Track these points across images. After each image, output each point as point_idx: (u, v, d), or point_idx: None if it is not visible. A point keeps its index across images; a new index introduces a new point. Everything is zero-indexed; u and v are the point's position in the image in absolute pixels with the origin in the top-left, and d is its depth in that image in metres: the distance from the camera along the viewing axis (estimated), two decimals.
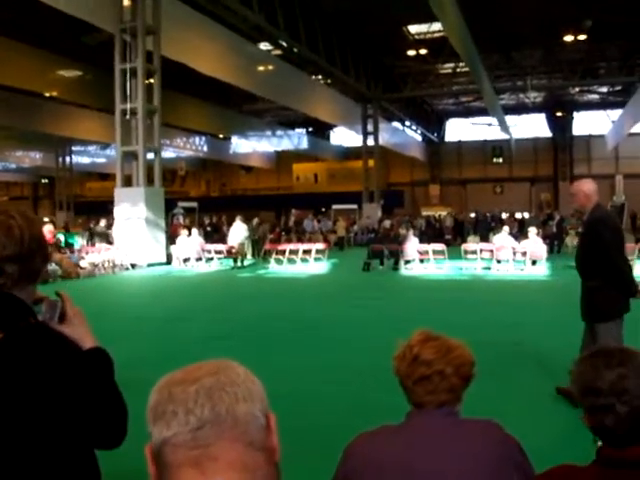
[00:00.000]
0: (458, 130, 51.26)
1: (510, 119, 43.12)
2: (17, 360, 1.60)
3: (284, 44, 26.26)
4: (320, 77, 34.14)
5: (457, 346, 2.08)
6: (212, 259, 21.66)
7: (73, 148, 45.54)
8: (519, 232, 25.59)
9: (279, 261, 21.58)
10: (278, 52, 28.90)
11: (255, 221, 25.01)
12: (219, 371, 1.04)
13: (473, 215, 36.72)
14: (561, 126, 47.17)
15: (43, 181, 56.02)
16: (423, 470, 1.89)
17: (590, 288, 5.55)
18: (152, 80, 20.20)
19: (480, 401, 5.61)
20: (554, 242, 25.98)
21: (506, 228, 20.85)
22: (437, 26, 25.93)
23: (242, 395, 1.02)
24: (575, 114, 47.63)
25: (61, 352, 1.67)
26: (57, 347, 1.68)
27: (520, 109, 44.82)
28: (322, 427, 5.22)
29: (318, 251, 22.52)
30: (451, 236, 32.26)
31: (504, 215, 36.41)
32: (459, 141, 50.95)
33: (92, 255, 19.90)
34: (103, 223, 24.80)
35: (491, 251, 19.26)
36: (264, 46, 28.52)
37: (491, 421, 2.06)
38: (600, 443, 1.77)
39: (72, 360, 1.68)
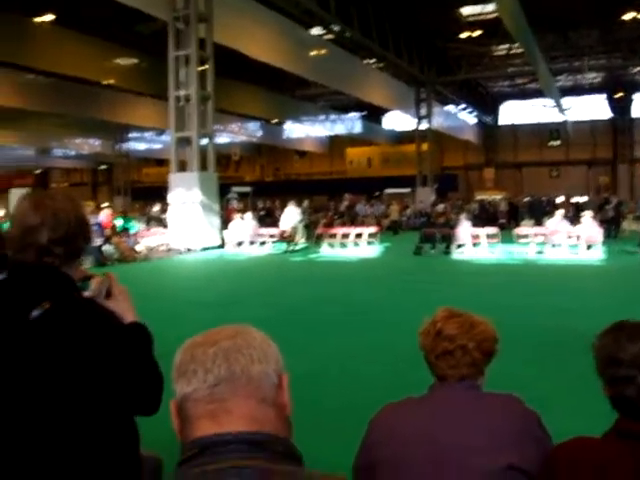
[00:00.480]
0: (513, 112, 50.36)
1: (567, 101, 42.21)
2: (62, 328, 1.73)
3: (336, 29, 26.25)
4: (373, 61, 33.97)
5: (480, 322, 2.14)
6: (265, 243, 21.92)
7: (130, 135, 46.44)
8: (574, 216, 25.16)
9: (331, 245, 21.72)
10: (330, 37, 28.85)
11: (305, 204, 25.14)
12: (237, 335, 1.18)
13: (527, 199, 36.14)
14: (621, 107, 45.88)
15: (101, 167, 57.10)
16: (445, 442, 1.95)
17: None
18: (205, 67, 20.46)
19: (524, 383, 5.67)
20: (611, 226, 25.44)
21: (560, 212, 20.53)
22: (490, 7, 25.56)
23: (257, 357, 1.16)
24: (636, 95, 46.27)
25: (102, 323, 1.80)
26: (99, 318, 1.81)
27: (578, 90, 43.76)
28: (361, 406, 5.33)
29: (370, 235, 22.58)
30: (505, 220, 31.87)
31: (560, 199, 35.76)
32: (514, 124, 50.04)
33: (148, 239, 20.38)
34: (157, 208, 25.31)
35: (544, 235, 19.01)
36: (316, 31, 28.51)
37: (512, 395, 2.10)
38: None
39: (112, 330, 1.81)
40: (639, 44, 33.49)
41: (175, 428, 1.20)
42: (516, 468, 1.88)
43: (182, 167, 20.72)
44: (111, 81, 30.41)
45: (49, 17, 24.57)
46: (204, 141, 20.63)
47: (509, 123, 50.36)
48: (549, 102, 40.56)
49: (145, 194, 44.91)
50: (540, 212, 29.58)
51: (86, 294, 1.91)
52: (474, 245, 19.72)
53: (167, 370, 1.88)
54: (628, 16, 28.65)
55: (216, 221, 21.22)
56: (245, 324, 1.25)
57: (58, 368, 1.70)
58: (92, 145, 48.49)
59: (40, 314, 1.71)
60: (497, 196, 41.04)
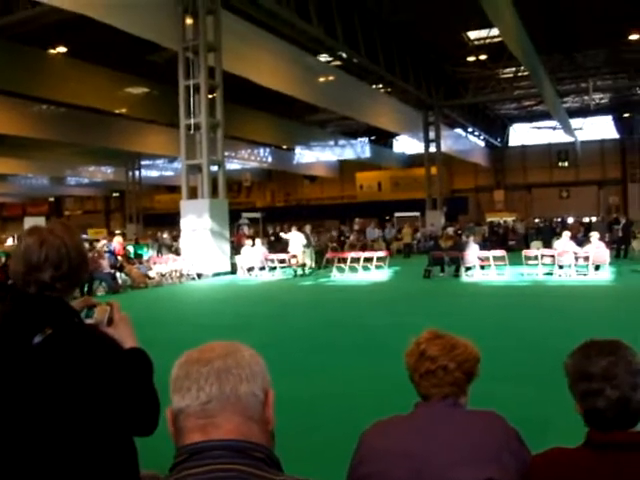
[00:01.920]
0: (522, 134, 50.58)
1: (575, 122, 42.33)
2: (63, 353, 1.83)
3: (344, 55, 26.57)
4: (380, 86, 34.28)
5: (462, 344, 2.25)
6: (275, 268, 22.07)
7: (142, 162, 46.87)
8: (584, 237, 25.16)
9: (341, 269, 21.84)
10: (338, 63, 29.20)
11: (307, 228, 25.30)
12: (228, 354, 1.34)
13: (537, 220, 36.20)
14: (629, 127, 46.00)
15: (114, 195, 57.66)
16: (426, 457, 2.04)
17: None
18: (215, 95, 20.74)
19: (523, 405, 5.75)
20: (620, 247, 25.44)
21: (567, 233, 20.56)
22: (496, 31, 25.78)
23: (245, 376, 1.31)
24: None
25: (102, 348, 1.91)
26: (99, 343, 1.92)
27: (585, 111, 43.86)
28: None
29: (379, 259, 22.67)
30: (515, 242, 31.87)
31: (570, 220, 35.75)
32: (523, 145, 50.21)
33: (160, 265, 20.58)
34: (166, 235, 25.55)
35: (552, 256, 19.05)
36: (324, 57, 28.89)
37: (492, 412, 2.19)
38: None
39: (111, 355, 1.91)
40: None
41: (170, 433, 1.35)
42: None
43: (193, 194, 20.95)
44: (123, 110, 30.85)
45: (62, 49, 25.11)
46: (214, 168, 20.86)
47: (518, 145, 50.54)
48: (557, 123, 40.65)
49: (157, 221, 45.26)
50: (549, 234, 29.58)
51: (89, 321, 2.04)
52: (482, 268, 19.80)
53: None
54: (634, 37, 28.86)
55: (227, 247, 21.39)
56: (235, 342, 1.40)
57: (59, 392, 1.80)
58: (105, 173, 48.97)
59: (42, 340, 1.82)
60: (508, 218, 41.08)
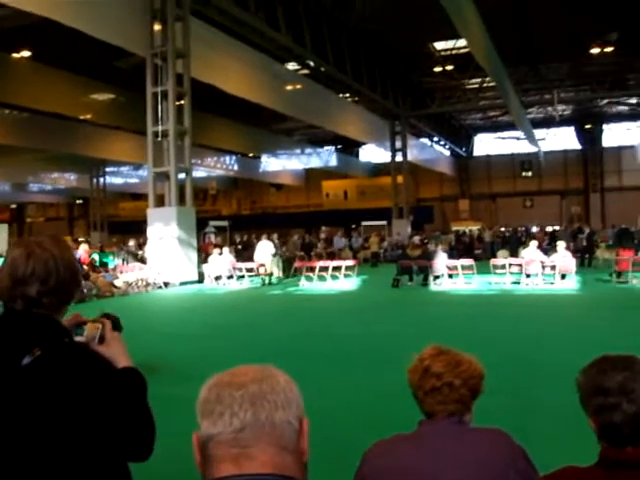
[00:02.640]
0: (486, 144, 51.21)
1: (539, 132, 42.98)
2: (53, 374, 1.74)
3: (312, 63, 26.59)
4: (348, 95, 34.38)
5: (466, 360, 2.21)
6: (243, 277, 21.93)
7: (107, 169, 46.30)
8: (549, 245, 25.49)
9: (309, 278, 21.77)
10: (306, 71, 29.22)
11: (275, 237, 25.27)
12: (263, 379, 1.23)
13: (503, 229, 36.60)
14: (590, 138, 46.85)
15: (78, 202, 56.85)
16: (430, 473, 2.01)
17: None
18: (182, 102, 20.58)
19: (501, 415, 5.74)
20: (584, 255, 25.82)
21: (534, 242, 20.81)
22: (463, 42, 26.03)
23: (281, 403, 1.21)
24: (604, 126, 47.30)
25: (93, 368, 1.81)
26: (90, 363, 1.82)
27: (549, 122, 44.58)
28: (334, 441, 5.36)
29: (348, 268, 22.66)
30: (481, 251, 32.16)
31: (534, 229, 36.20)
32: (488, 155, 50.84)
33: (126, 274, 20.31)
34: (132, 243, 25.25)
35: (520, 265, 19.24)
36: (292, 66, 28.88)
37: (498, 429, 2.17)
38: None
39: (104, 375, 1.81)
40: (607, 77, 34.38)
41: (196, 461, 1.25)
42: None
43: (160, 202, 20.74)
44: (88, 116, 30.48)
45: (26, 53, 24.69)
46: (182, 176, 20.68)
47: (483, 154, 51.14)
48: (521, 134, 41.21)
49: (122, 228, 44.78)
50: (516, 243, 29.91)
51: (79, 339, 1.92)
52: (451, 276, 19.91)
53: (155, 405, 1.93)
54: (595, 51, 29.43)
55: (194, 256, 21.20)
56: (269, 365, 1.30)
57: (50, 416, 1.71)
58: (69, 180, 48.24)
59: (31, 361, 1.73)
60: (473, 227, 41.47)
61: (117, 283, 19.50)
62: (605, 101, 41.48)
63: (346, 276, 22.16)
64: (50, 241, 1.93)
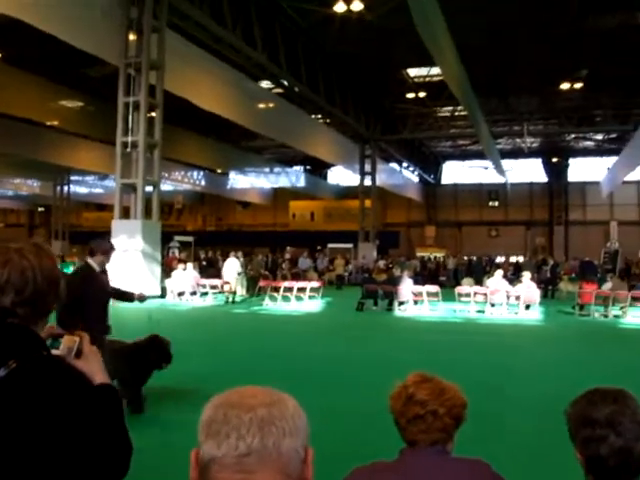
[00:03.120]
0: (455, 173, 51.74)
1: (506, 163, 43.55)
2: (28, 388, 1.64)
3: (285, 83, 26.63)
4: (320, 116, 34.52)
5: (450, 388, 2.17)
6: (207, 294, 21.68)
7: (72, 178, 45.76)
8: (514, 276, 25.71)
9: (273, 298, 21.58)
10: (279, 90, 29.25)
11: (240, 254, 25.11)
12: (272, 403, 1.16)
13: (466, 258, 36.89)
14: (557, 172, 47.68)
15: (40, 209, 56.09)
16: None
17: None
18: (154, 114, 20.41)
19: (465, 442, 5.64)
20: (548, 287, 26.08)
21: (500, 272, 20.97)
22: (436, 70, 26.33)
23: (289, 430, 1.14)
24: (571, 160, 48.17)
25: (69, 383, 1.72)
26: (66, 378, 1.73)
27: (516, 154, 45.26)
28: None
29: (312, 289, 22.53)
30: (446, 278, 32.33)
31: (499, 259, 36.54)
32: (455, 184, 51.34)
33: None
34: None
35: (485, 294, 19.33)
36: (265, 84, 28.90)
37: (480, 460, 2.14)
38: None
39: (80, 391, 1.72)
40: (575, 112, 35.07)
41: (191, 478, 1.19)
42: None
43: (125, 214, 20.45)
44: (55, 122, 30.08)
45: None
46: (149, 188, 20.43)
47: (451, 182, 51.63)
48: (489, 164, 41.74)
49: (84, 239, 43.91)
50: (480, 271, 30.15)
51: (55, 353, 1.82)
52: (416, 303, 19.90)
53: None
54: (565, 86, 29.98)
55: (157, 270, 20.89)
56: (276, 389, 1.23)
57: (23, 432, 1.61)
58: (31, 186, 47.61)
59: (6, 374, 1.64)
60: (438, 254, 41.76)
61: None
62: (572, 136, 42.31)
63: (311, 297, 22.02)
64: (30, 248, 1.82)
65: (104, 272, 6.83)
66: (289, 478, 1.13)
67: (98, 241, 6.88)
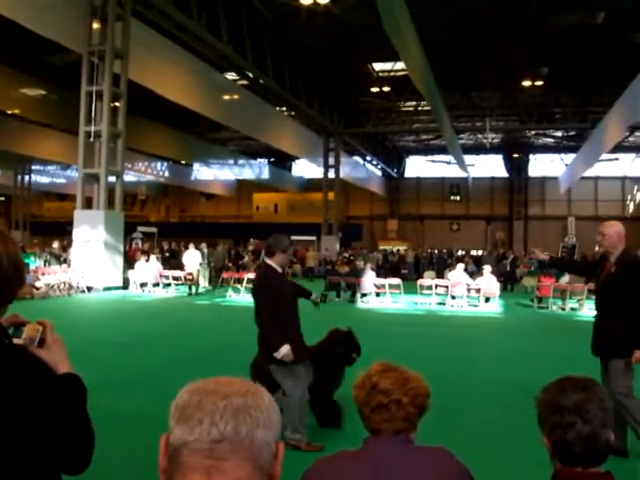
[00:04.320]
0: (417, 167, 52.11)
1: (468, 158, 44.00)
2: None
3: (251, 75, 26.52)
4: (285, 109, 34.45)
5: (414, 377, 2.18)
6: (169, 285, 21.58)
7: (33, 167, 44.89)
8: (475, 269, 26.04)
9: (236, 290, 21.56)
10: (244, 82, 29.12)
11: (203, 246, 25.02)
12: (248, 393, 1.16)
13: (429, 251, 37.22)
14: (517, 167, 48.34)
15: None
16: None
17: (613, 326, 5.46)
18: (118, 104, 20.21)
19: (427, 433, 5.77)
20: (507, 280, 26.48)
21: (461, 265, 21.24)
22: (401, 65, 26.47)
23: (263, 421, 1.13)
24: (531, 156, 48.90)
25: (31, 372, 1.68)
26: (28, 367, 1.69)
27: (478, 149, 45.71)
28: None
29: None
30: (407, 271, 32.60)
31: (460, 252, 36.93)
32: (418, 178, 51.73)
33: (48, 276, 19.70)
34: (55, 244, 24.51)
35: (446, 287, 19.57)
36: (231, 76, 28.75)
37: (443, 449, 2.16)
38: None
39: (42, 381, 1.69)
40: (536, 109, 35.57)
41: (160, 465, 1.16)
42: None
43: (88, 204, 20.26)
44: (16, 111, 29.51)
45: None
46: (112, 179, 20.25)
47: (413, 176, 51.96)
48: (452, 158, 42.09)
49: (45, 229, 43.55)
50: (441, 264, 30.47)
51: (17, 342, 1.76)
52: (378, 295, 20.08)
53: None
54: (526, 83, 30.38)
55: (120, 261, 20.75)
56: (251, 381, 1.22)
57: None
58: None
59: None
60: (400, 247, 42.01)
61: (37, 285, 18.88)
62: (533, 132, 42.94)
63: None
64: None
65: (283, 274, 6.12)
66: (260, 470, 1.13)
67: (276, 237, 6.05)
